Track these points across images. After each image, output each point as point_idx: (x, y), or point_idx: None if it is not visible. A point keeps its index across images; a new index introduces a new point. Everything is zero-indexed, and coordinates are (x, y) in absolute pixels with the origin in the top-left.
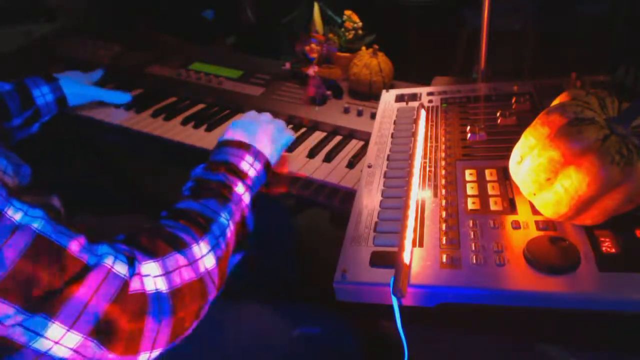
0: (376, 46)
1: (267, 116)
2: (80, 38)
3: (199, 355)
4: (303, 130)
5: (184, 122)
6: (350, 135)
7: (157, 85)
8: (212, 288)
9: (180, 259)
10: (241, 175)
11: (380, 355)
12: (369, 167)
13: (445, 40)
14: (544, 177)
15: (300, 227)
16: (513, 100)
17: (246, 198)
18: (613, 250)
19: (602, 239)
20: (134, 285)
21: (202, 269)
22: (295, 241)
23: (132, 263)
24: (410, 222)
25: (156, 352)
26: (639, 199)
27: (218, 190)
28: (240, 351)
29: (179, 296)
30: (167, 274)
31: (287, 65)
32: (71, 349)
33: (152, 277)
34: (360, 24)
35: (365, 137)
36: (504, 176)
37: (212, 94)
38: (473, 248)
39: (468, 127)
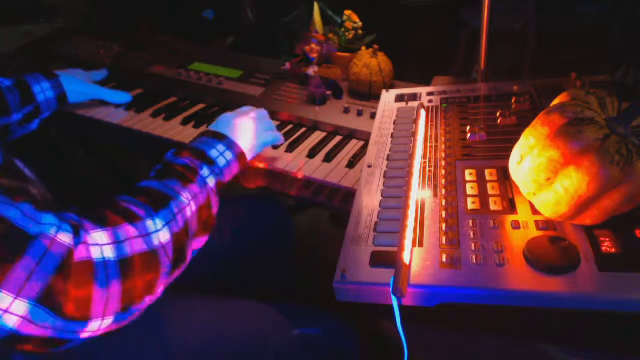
0: (376, 46)
1: (258, 112)
2: (80, 38)
3: (198, 355)
4: (303, 130)
5: (184, 122)
6: (350, 135)
7: (157, 85)
8: (165, 261)
9: (132, 230)
10: (207, 161)
11: (380, 355)
12: (369, 167)
13: (445, 40)
14: (543, 177)
15: (300, 227)
16: (513, 100)
17: (211, 182)
18: (613, 250)
19: (602, 239)
20: (80, 253)
21: (155, 242)
22: (295, 241)
23: (77, 232)
24: (410, 222)
25: (108, 321)
26: (639, 199)
27: (182, 173)
28: (240, 351)
29: (128, 265)
30: (116, 243)
31: (287, 65)
32: (21, 316)
33: (99, 245)
34: (360, 24)
35: (365, 137)
36: (504, 176)
37: (212, 94)
38: (473, 248)
39: (468, 127)
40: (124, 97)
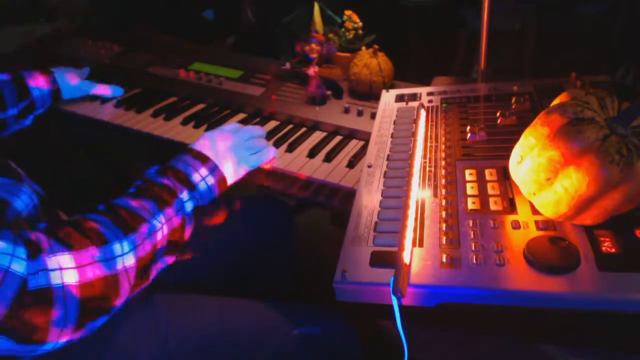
0: (376, 46)
1: (246, 132)
2: (80, 38)
3: (199, 354)
4: (303, 130)
5: (185, 122)
6: (350, 135)
7: (157, 85)
8: (126, 285)
9: (97, 254)
10: (189, 186)
11: (380, 355)
12: (369, 167)
13: (445, 40)
14: (543, 177)
15: (300, 227)
16: (513, 100)
17: (189, 206)
18: (613, 250)
19: (602, 239)
20: (38, 280)
21: (119, 266)
22: (295, 241)
23: (35, 255)
24: (410, 222)
25: (64, 339)
26: (639, 198)
27: (160, 194)
28: (240, 351)
29: (88, 289)
30: (80, 267)
31: (287, 65)
32: None
33: (61, 270)
34: (360, 24)
35: (365, 137)
36: (504, 176)
37: (212, 94)
38: (473, 248)
39: (468, 127)
40: (117, 91)
